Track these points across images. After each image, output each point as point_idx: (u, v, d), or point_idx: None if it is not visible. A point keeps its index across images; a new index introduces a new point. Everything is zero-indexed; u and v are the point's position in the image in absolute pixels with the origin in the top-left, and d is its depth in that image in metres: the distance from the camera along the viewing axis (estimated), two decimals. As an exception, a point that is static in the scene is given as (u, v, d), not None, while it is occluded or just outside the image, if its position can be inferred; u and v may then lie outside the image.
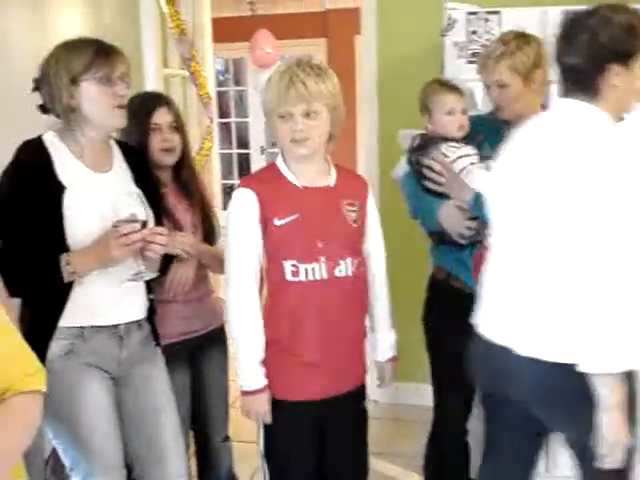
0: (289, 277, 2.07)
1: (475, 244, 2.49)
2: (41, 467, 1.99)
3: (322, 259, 2.06)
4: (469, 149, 2.50)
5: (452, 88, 2.53)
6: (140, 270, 2.16)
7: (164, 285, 2.46)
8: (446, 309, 2.65)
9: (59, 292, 2.10)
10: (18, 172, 2.10)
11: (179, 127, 2.59)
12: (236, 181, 8.23)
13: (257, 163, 8.52)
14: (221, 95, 8.50)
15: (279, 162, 2.14)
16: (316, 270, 2.06)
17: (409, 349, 3.27)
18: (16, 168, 2.11)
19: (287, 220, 2.05)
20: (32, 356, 1.58)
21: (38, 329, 2.04)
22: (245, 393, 2.13)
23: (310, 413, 2.14)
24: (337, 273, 2.08)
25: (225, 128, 8.83)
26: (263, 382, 2.11)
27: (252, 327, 2.09)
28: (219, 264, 2.41)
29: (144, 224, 2.10)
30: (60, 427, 2.11)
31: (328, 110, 2.04)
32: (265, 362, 2.11)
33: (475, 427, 2.86)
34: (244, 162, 8.98)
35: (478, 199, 2.42)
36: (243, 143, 8.94)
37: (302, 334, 2.09)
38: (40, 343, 1.96)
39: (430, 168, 2.52)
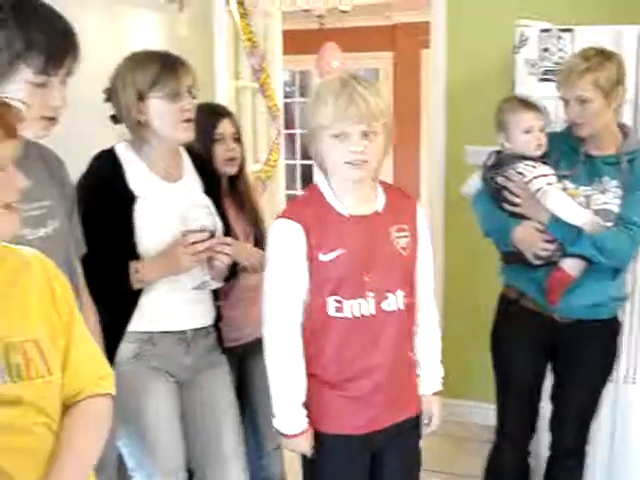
0: (332, 313, 1.92)
1: (550, 264, 2.45)
2: (112, 469, 2.02)
3: (369, 294, 1.91)
4: (546, 169, 2.44)
5: (530, 106, 2.46)
6: (206, 279, 2.20)
7: (230, 293, 2.49)
8: (516, 329, 2.62)
9: (128, 298, 2.15)
10: (91, 182, 2.15)
11: (239, 138, 2.65)
12: (299, 192, 8.28)
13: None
14: (287, 106, 8.55)
15: (323, 186, 1.98)
16: (363, 305, 1.91)
17: (474, 367, 3.24)
18: (89, 179, 2.16)
19: (333, 255, 1.90)
20: (104, 360, 1.62)
21: (108, 333, 2.08)
22: (284, 435, 1.99)
23: (355, 447, 2.00)
24: (385, 307, 1.93)
25: (290, 139, 8.89)
26: (304, 425, 1.96)
27: (292, 370, 1.95)
28: None
29: (212, 234, 2.14)
30: (125, 429, 2.15)
31: (383, 129, 1.88)
32: (307, 395, 1.97)
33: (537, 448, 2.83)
34: (307, 172, 9.03)
35: (555, 221, 2.40)
36: (307, 154, 8.96)
37: (349, 371, 1.95)
38: (109, 346, 2.01)
39: (505, 187, 2.49)
